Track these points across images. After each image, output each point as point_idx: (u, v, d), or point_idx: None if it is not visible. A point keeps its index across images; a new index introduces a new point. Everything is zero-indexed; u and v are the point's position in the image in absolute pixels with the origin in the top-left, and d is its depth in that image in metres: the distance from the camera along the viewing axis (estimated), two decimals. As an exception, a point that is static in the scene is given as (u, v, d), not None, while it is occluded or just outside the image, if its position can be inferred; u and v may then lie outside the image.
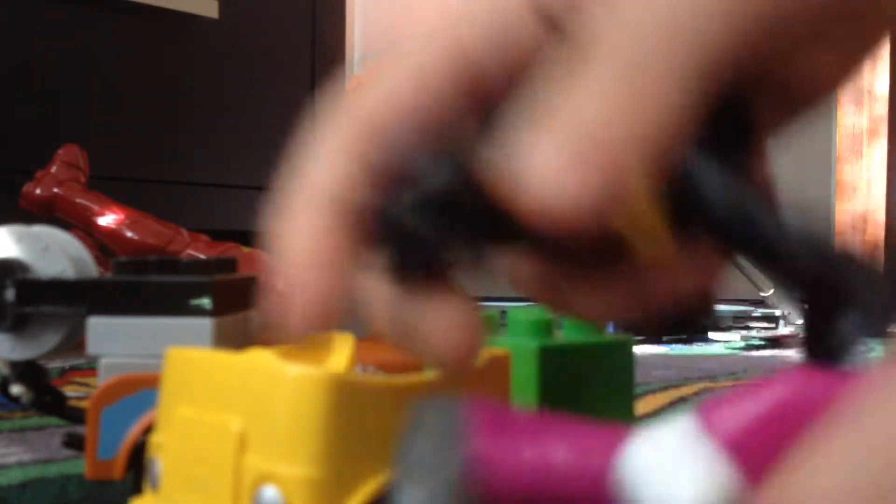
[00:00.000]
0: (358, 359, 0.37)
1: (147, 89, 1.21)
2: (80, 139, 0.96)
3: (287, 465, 0.25)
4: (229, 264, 0.43)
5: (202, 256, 0.87)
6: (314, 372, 0.26)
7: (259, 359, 0.27)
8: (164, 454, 0.28)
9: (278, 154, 1.28)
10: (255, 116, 1.31)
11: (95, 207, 0.88)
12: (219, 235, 0.93)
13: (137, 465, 0.38)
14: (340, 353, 0.34)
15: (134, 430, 0.37)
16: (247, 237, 1.07)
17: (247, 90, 1.30)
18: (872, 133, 2.04)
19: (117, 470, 0.38)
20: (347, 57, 1.89)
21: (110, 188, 0.95)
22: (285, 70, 1.35)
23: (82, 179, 0.91)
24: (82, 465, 0.39)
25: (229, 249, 0.87)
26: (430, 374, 0.27)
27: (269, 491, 0.25)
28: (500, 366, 0.29)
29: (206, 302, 0.39)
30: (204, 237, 0.89)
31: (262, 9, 1.32)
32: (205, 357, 0.28)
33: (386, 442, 0.26)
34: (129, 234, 0.86)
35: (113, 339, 0.39)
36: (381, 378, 0.27)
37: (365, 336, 0.43)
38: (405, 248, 0.21)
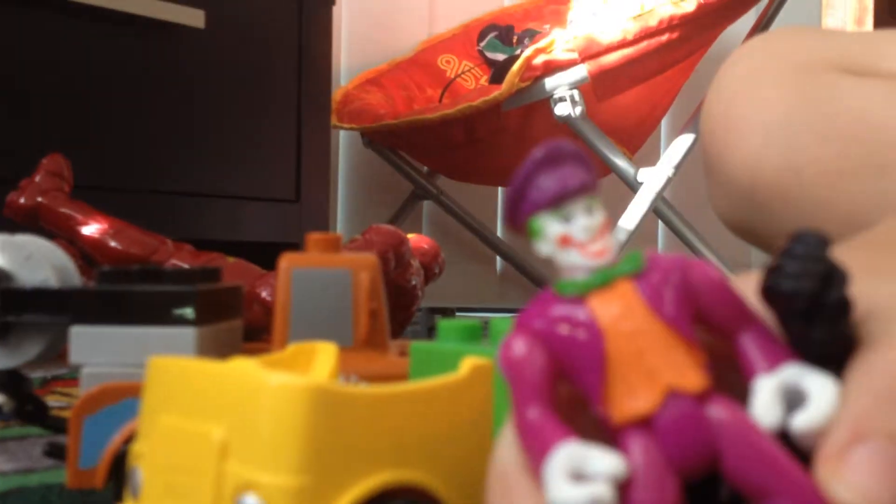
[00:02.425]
0: (342, 369, 0.38)
1: (133, 99, 1.21)
2: (65, 148, 0.96)
3: (268, 473, 0.25)
4: (213, 274, 0.43)
5: (186, 266, 0.87)
6: (295, 381, 0.26)
7: (241, 368, 0.27)
8: (146, 463, 0.28)
9: (265, 164, 1.31)
10: (241, 126, 1.31)
11: (79, 217, 0.88)
12: (205, 245, 0.93)
13: (119, 474, 0.38)
14: (323, 363, 0.34)
15: (116, 439, 0.37)
16: (233, 247, 1.07)
17: (233, 100, 1.30)
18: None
19: (99, 479, 0.38)
20: (334, 67, 1.90)
21: (95, 198, 0.94)
22: (271, 80, 1.35)
23: (66, 189, 0.90)
24: (64, 475, 0.39)
25: (214, 259, 0.87)
26: (411, 384, 0.28)
27: (250, 499, 0.25)
28: (481, 378, 0.30)
29: (188, 311, 0.39)
30: (188, 247, 0.89)
31: (248, 19, 1.32)
32: (187, 366, 0.28)
33: (367, 450, 0.26)
34: (112, 243, 0.86)
35: (95, 348, 0.39)
36: (362, 388, 0.27)
37: (350, 346, 0.43)
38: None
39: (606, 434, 0.21)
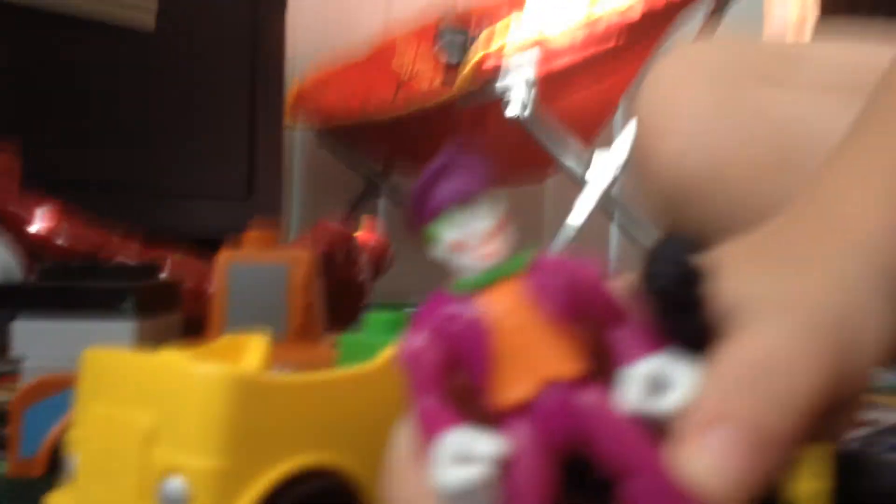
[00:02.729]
0: (275, 359, 0.39)
1: (86, 97, 1.21)
2: (17, 144, 0.97)
3: (192, 457, 0.27)
4: (152, 270, 0.44)
5: (132, 262, 0.88)
6: (219, 371, 0.28)
7: (170, 359, 0.29)
8: (80, 449, 0.30)
9: (217, 161, 1.31)
10: (194, 124, 1.32)
11: (26, 215, 0.89)
12: (158, 240, 0.94)
13: (58, 463, 0.39)
14: (254, 353, 0.36)
15: (55, 429, 0.39)
16: (185, 243, 1.08)
17: (186, 98, 1.31)
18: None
19: (38, 467, 0.39)
20: (289, 65, 1.90)
21: (46, 192, 0.95)
22: (224, 79, 1.36)
23: (14, 187, 0.91)
24: (3, 465, 0.41)
25: (161, 255, 0.88)
26: (328, 373, 0.30)
27: (175, 482, 0.27)
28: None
29: (128, 306, 0.41)
30: (135, 243, 0.90)
31: (200, 20, 1.32)
32: (118, 357, 0.30)
33: (286, 435, 0.28)
34: (59, 241, 0.87)
35: (37, 342, 0.41)
36: (284, 376, 0.29)
37: (284, 337, 0.45)
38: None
39: (494, 420, 0.22)
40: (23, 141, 1.08)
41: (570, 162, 1.57)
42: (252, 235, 0.44)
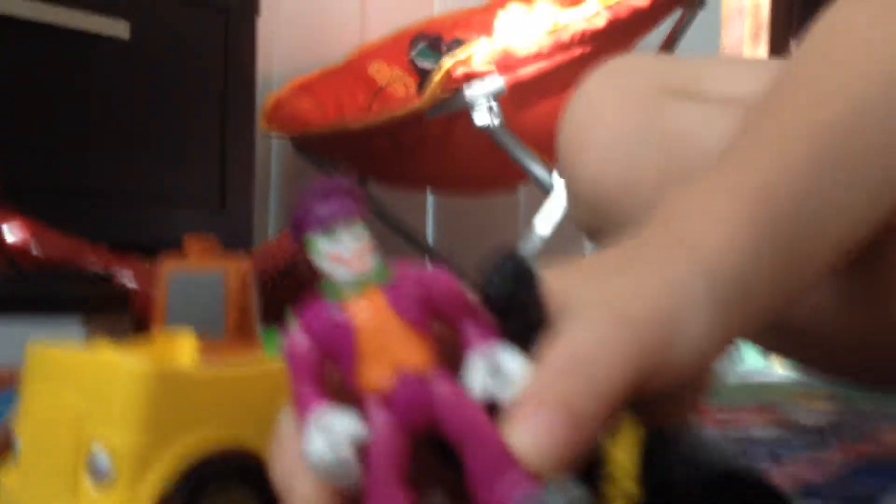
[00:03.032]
0: (209, 355, 0.44)
1: (59, 108, 1.25)
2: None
3: (115, 435, 0.31)
4: (104, 277, 0.49)
5: (103, 269, 0.92)
6: (139, 365, 0.32)
7: (99, 354, 0.33)
8: (23, 431, 0.34)
9: (190, 172, 1.37)
10: (167, 135, 1.36)
11: (2, 224, 0.93)
12: (130, 250, 0.98)
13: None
14: (183, 350, 0.40)
15: (9, 416, 0.43)
16: (159, 252, 1.12)
17: (158, 109, 1.35)
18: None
19: (-5, 453, 0.44)
20: (266, 74, 1.95)
21: (21, 201, 0.99)
22: (196, 90, 1.40)
23: (-10, 197, 0.95)
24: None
25: (130, 262, 0.92)
26: (236, 367, 0.34)
27: (101, 455, 0.32)
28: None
29: (78, 309, 0.45)
30: (106, 251, 0.95)
31: (173, 29, 1.37)
32: (57, 352, 0.34)
33: (196, 417, 0.32)
34: (34, 249, 0.91)
35: (-7, 340, 0.45)
36: (197, 370, 0.34)
37: (221, 337, 0.49)
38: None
39: (362, 407, 0.27)
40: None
41: (538, 171, 1.61)
42: (193, 245, 0.48)
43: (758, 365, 1.22)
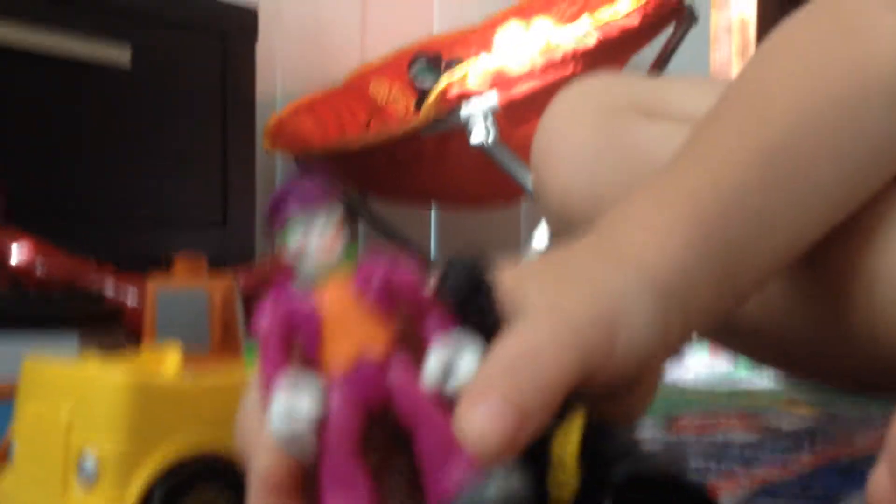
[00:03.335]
0: (195, 368, 0.47)
1: (62, 131, 1.29)
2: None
3: (102, 441, 0.35)
4: (97, 296, 0.52)
5: (108, 287, 0.95)
6: (123, 377, 0.35)
7: (87, 368, 0.36)
8: (18, 439, 0.38)
9: (192, 190, 1.42)
10: (169, 155, 1.40)
11: (9, 244, 0.96)
12: (131, 266, 1.01)
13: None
14: (170, 364, 0.43)
15: (10, 428, 0.47)
16: (157, 268, 1.16)
17: (160, 131, 1.39)
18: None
19: (-3, 460, 0.47)
20: (269, 95, 1.98)
21: (26, 223, 1.03)
22: (197, 112, 1.44)
23: (-2, 217, 0.99)
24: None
25: (132, 280, 0.95)
26: (218, 377, 0.37)
27: (89, 460, 0.35)
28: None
29: (72, 326, 0.49)
30: (110, 270, 0.98)
31: (173, 57, 1.41)
32: (49, 365, 0.38)
33: (178, 425, 0.36)
34: (39, 268, 0.95)
35: (-5, 356, 0.49)
36: (178, 382, 0.37)
37: (206, 352, 0.52)
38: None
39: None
40: (2, 172, 1.16)
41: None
42: (180, 263, 0.52)
43: (745, 374, 1.24)
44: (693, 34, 1.75)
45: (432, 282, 0.30)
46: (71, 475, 0.35)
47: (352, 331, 0.28)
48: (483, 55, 1.95)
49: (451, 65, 2.05)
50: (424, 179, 1.77)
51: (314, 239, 0.28)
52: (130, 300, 0.84)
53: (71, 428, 0.35)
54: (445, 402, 0.27)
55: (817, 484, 0.56)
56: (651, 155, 0.61)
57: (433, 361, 0.28)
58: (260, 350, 0.28)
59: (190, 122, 1.43)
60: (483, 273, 0.30)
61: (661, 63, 1.75)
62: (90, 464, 0.35)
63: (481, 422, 0.26)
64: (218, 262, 1.46)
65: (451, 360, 0.28)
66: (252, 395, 0.30)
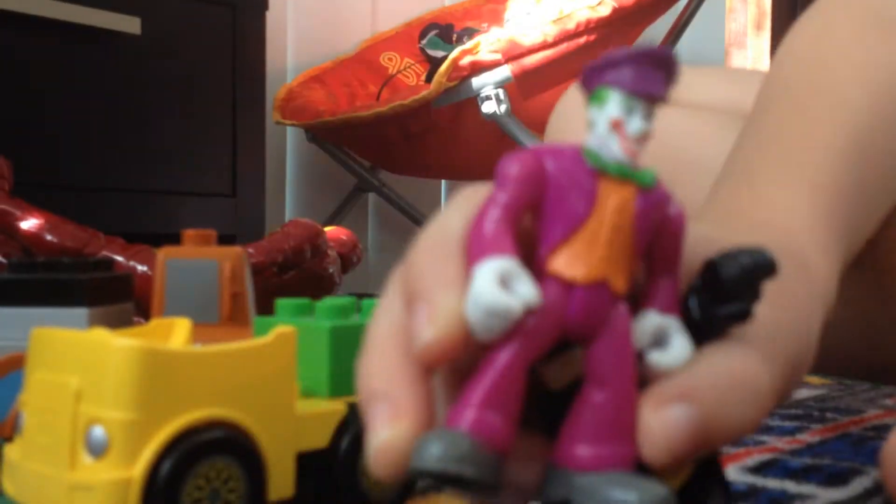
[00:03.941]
0: (204, 338, 0.47)
1: (72, 101, 1.29)
2: (5, 149, 1.04)
3: (111, 411, 0.34)
4: (106, 264, 0.52)
5: (118, 257, 0.95)
6: (132, 343, 0.35)
7: (95, 335, 0.36)
8: (27, 408, 0.37)
9: (201, 161, 1.42)
10: (178, 126, 1.39)
11: (18, 213, 0.96)
12: (143, 239, 1.01)
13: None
14: (178, 334, 0.43)
15: (19, 398, 0.46)
16: (172, 240, 1.16)
17: (170, 101, 1.38)
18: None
19: (6, 430, 0.47)
20: (280, 65, 1.97)
21: (34, 195, 1.03)
22: (207, 82, 1.43)
23: (6, 187, 0.99)
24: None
25: (142, 251, 0.95)
26: (224, 346, 0.37)
27: (98, 430, 0.34)
28: (285, 341, 0.39)
29: (81, 295, 0.48)
30: (119, 240, 0.98)
31: (183, 25, 1.40)
32: (57, 334, 0.37)
33: (186, 394, 0.35)
34: (48, 237, 0.95)
35: (3, 326, 0.48)
36: (186, 348, 0.36)
37: (216, 322, 0.52)
38: None
39: (535, 273, 0.24)
40: (11, 143, 1.16)
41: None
42: (189, 234, 0.51)
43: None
44: (708, 5, 1.73)
45: (709, 258, 0.26)
46: (79, 445, 0.35)
47: (606, 245, 0.24)
48: (495, 25, 1.94)
49: (462, 35, 2.04)
50: (437, 151, 1.77)
51: (631, 126, 0.24)
52: (140, 270, 0.84)
53: (79, 397, 0.35)
54: (637, 366, 0.25)
55: (828, 454, 0.56)
56: (673, 142, 0.61)
57: (649, 327, 0.25)
58: (504, 188, 0.24)
59: (200, 93, 1.43)
60: (759, 277, 0.25)
61: (675, 33, 1.74)
62: (99, 434, 0.34)
63: (663, 422, 0.24)
64: (227, 234, 1.46)
65: (664, 337, 0.25)
66: (455, 219, 0.25)
